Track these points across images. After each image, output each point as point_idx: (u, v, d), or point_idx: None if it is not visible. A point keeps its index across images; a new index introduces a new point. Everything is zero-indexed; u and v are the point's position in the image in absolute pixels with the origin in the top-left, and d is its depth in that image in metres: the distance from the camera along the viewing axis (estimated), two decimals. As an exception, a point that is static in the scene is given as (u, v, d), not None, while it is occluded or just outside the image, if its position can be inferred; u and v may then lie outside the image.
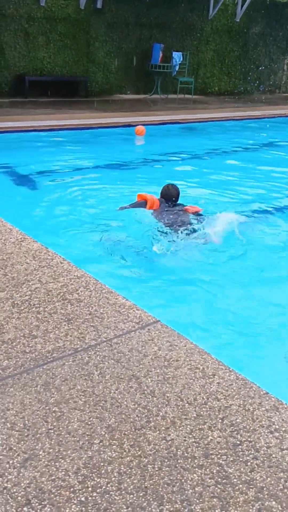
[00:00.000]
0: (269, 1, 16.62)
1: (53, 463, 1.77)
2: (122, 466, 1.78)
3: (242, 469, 1.79)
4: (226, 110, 13.09)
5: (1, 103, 11.47)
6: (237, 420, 2.01)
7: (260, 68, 17.07)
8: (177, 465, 1.79)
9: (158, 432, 1.93)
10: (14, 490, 1.66)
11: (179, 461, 1.81)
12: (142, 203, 5.08)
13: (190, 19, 14.88)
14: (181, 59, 14.28)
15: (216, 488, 1.71)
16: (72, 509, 1.61)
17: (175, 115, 11.69)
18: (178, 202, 5.26)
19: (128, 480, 1.72)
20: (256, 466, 1.80)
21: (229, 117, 12.33)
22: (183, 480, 1.73)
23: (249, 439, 1.92)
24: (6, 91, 12.33)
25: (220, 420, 2.00)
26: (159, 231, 4.70)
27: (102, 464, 1.78)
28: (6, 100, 11.81)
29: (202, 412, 2.04)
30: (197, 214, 5.15)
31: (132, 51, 14.11)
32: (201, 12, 15.03)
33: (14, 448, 1.82)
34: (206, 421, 1.99)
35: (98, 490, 1.68)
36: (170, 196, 5.18)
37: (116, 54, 13.88)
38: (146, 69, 14.20)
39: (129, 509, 1.61)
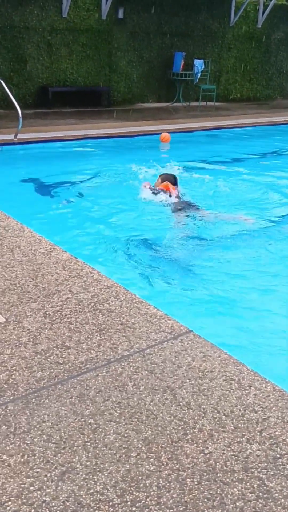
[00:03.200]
0: (290, 7, 16.56)
1: (91, 476, 1.76)
2: (160, 479, 1.75)
3: (283, 483, 1.75)
4: (249, 117, 13.03)
5: (25, 115, 11.57)
6: (276, 433, 1.96)
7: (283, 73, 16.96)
8: (216, 479, 1.76)
9: (195, 445, 1.90)
10: (53, 504, 1.65)
11: (218, 474, 1.78)
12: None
13: (211, 26, 14.89)
14: (203, 67, 14.28)
15: (258, 503, 1.67)
16: (112, 524, 1.59)
17: (198, 123, 11.68)
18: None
19: (167, 494, 1.70)
20: (297, 480, 1.76)
21: (253, 123, 12.27)
22: (223, 495, 1.70)
23: (289, 453, 1.87)
24: (30, 103, 12.49)
25: (258, 433, 1.96)
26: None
27: (140, 477, 1.76)
28: (30, 112, 11.95)
29: (239, 425, 2.00)
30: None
31: (153, 60, 14.18)
32: (222, 19, 15.03)
33: (52, 461, 1.82)
34: (244, 433, 1.96)
35: (137, 505, 1.65)
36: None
37: (137, 63, 13.96)
38: (168, 77, 14.25)
39: (170, 524, 1.59)
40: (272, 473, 1.79)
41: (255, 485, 1.74)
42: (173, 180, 6.11)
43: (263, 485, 1.74)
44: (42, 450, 1.86)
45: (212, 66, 14.91)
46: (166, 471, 1.79)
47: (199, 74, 14.27)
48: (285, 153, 9.93)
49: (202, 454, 1.86)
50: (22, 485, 1.71)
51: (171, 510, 1.64)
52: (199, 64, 14.19)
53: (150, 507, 1.65)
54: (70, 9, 12.45)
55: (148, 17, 13.69)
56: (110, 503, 1.66)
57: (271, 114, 13.65)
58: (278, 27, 16.22)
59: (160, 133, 9.73)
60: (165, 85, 14.49)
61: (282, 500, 1.68)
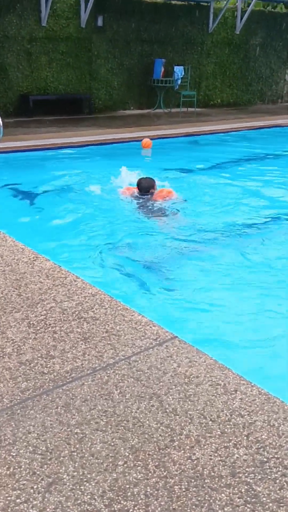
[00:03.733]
0: (268, 12, 16.77)
1: (78, 487, 1.74)
2: (148, 487, 1.74)
3: (271, 487, 1.75)
4: (230, 122, 13.14)
5: (6, 123, 11.53)
6: (263, 437, 1.97)
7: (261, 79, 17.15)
8: (204, 485, 1.76)
9: (183, 451, 1.90)
10: (40, 516, 1.63)
11: (206, 480, 1.77)
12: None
13: (190, 33, 15.01)
14: (183, 73, 14.38)
15: (246, 508, 1.67)
16: (100, 534, 1.57)
17: (179, 129, 11.74)
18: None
19: (155, 502, 1.69)
20: (285, 483, 1.76)
21: (233, 128, 12.37)
22: (211, 501, 1.69)
23: (276, 456, 1.88)
24: (11, 111, 12.44)
25: (245, 437, 1.96)
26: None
27: (128, 486, 1.75)
28: (11, 120, 11.90)
29: (226, 430, 2.00)
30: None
31: (134, 67, 14.24)
32: (201, 26, 15.16)
33: (38, 473, 1.80)
34: (231, 438, 1.96)
35: (125, 514, 1.64)
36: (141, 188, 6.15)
37: (118, 71, 14.01)
38: (148, 84, 14.31)
39: (158, 532, 1.58)
40: (259, 477, 1.79)
41: (243, 490, 1.74)
42: (152, 183, 6.24)
43: (250, 489, 1.74)
44: (28, 462, 1.84)
45: (192, 72, 15.01)
46: (154, 479, 1.78)
47: (180, 81, 14.36)
48: (266, 157, 10.02)
49: (189, 460, 1.86)
50: (9, 498, 1.69)
51: (160, 518, 1.63)
52: (179, 70, 14.28)
53: (138, 515, 1.64)
54: (49, 17, 12.46)
55: (127, 25, 13.76)
56: (98, 513, 1.64)
57: (251, 119, 13.77)
58: (256, 33, 16.41)
59: (141, 139, 9.76)
60: (146, 92, 14.55)
61: (270, 504, 1.69)
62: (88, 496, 1.71)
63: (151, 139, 9.89)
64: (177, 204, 6.08)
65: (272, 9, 17.61)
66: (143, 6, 13.95)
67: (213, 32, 15.41)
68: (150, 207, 5.93)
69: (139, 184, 6.22)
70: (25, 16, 12.22)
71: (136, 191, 6.23)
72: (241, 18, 15.54)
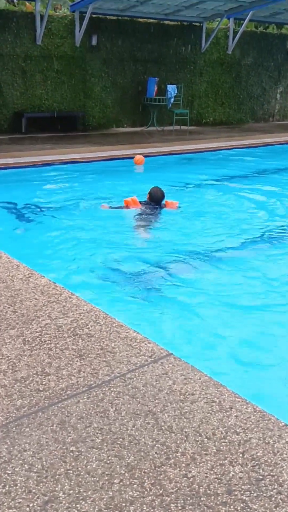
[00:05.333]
0: (259, 33, 17.07)
1: (74, 505, 1.74)
2: (144, 506, 1.74)
3: (266, 504, 1.75)
4: (222, 140, 13.28)
5: (1, 140, 11.64)
6: (258, 454, 1.98)
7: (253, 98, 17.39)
8: (200, 503, 1.76)
9: (178, 469, 1.90)
10: (36, 535, 1.62)
11: (202, 498, 1.78)
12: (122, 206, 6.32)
13: (183, 53, 15.24)
14: (176, 92, 14.56)
15: (242, 526, 1.67)
16: None
17: (172, 146, 11.86)
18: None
19: (151, 520, 1.68)
20: (280, 501, 1.77)
21: (225, 146, 12.50)
22: (207, 519, 1.69)
23: (271, 473, 1.89)
24: (5, 128, 12.53)
25: (240, 455, 1.97)
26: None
27: (124, 504, 1.75)
28: (5, 137, 11.98)
29: (222, 447, 2.01)
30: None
31: (127, 86, 14.41)
32: (194, 46, 15.41)
33: (34, 491, 1.79)
34: (226, 456, 1.96)
35: (121, 532, 1.64)
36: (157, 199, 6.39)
37: (112, 89, 14.17)
38: (141, 102, 14.48)
39: None
40: (255, 494, 1.79)
41: (238, 508, 1.74)
42: (161, 195, 6.47)
43: (246, 507, 1.74)
44: (23, 480, 1.83)
45: (184, 91, 15.21)
46: (150, 497, 1.78)
47: (172, 99, 14.54)
48: (257, 175, 10.12)
49: (185, 478, 1.86)
50: (4, 517, 1.68)
51: (156, 537, 1.63)
52: (172, 89, 14.46)
53: (135, 534, 1.63)
54: (44, 36, 12.63)
55: (121, 44, 13.96)
56: (94, 532, 1.64)
57: (242, 137, 13.94)
58: (248, 53, 16.69)
59: (134, 157, 9.84)
60: (139, 110, 14.72)
61: (266, 522, 1.69)
62: (84, 515, 1.70)
63: (144, 156, 9.98)
64: (174, 217, 6.20)
65: (264, 30, 17.94)
66: (137, 25, 14.18)
67: (206, 52, 15.65)
68: (156, 219, 6.09)
69: (154, 195, 6.38)
70: (20, 35, 12.38)
71: (144, 202, 6.42)
72: (233, 39, 15.82)
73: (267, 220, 6.94)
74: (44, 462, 1.92)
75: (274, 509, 1.74)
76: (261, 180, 9.72)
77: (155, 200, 6.40)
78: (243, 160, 11.45)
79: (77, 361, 2.57)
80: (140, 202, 6.45)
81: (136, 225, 5.98)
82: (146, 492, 1.80)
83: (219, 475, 1.87)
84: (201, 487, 1.82)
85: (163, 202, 6.54)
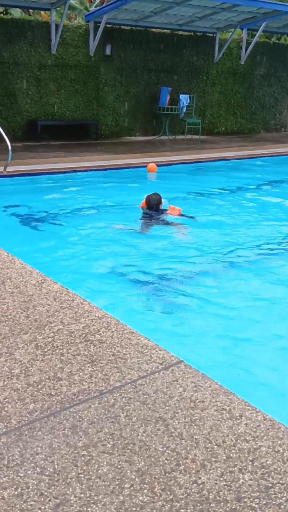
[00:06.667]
0: (272, 43, 17.14)
1: (85, 508, 1.76)
2: (154, 510, 1.76)
3: (276, 512, 1.77)
4: (233, 150, 13.32)
5: (15, 148, 11.72)
6: (268, 462, 1.99)
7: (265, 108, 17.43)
8: (209, 509, 1.77)
9: (188, 475, 1.92)
10: (48, 537, 1.65)
11: (211, 505, 1.79)
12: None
13: (196, 63, 15.35)
14: (188, 101, 14.66)
15: (251, 533, 1.68)
16: None
17: (183, 156, 11.91)
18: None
19: (161, 525, 1.70)
20: (290, 509, 1.78)
21: (237, 156, 12.54)
22: (217, 525, 1.71)
23: (281, 481, 1.90)
24: (19, 136, 12.67)
25: (250, 462, 1.98)
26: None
27: (134, 509, 1.77)
28: (19, 144, 12.11)
29: (231, 454, 2.02)
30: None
31: (140, 95, 14.52)
32: (207, 56, 15.51)
33: (45, 494, 1.82)
34: (236, 463, 1.98)
35: (131, 536, 1.66)
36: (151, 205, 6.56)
37: (125, 98, 14.29)
38: (154, 111, 14.58)
39: None
40: (264, 502, 1.81)
41: (248, 515, 1.75)
42: (155, 200, 6.63)
43: (256, 514, 1.75)
44: (35, 483, 1.86)
45: (197, 100, 15.30)
46: (160, 502, 1.80)
47: (185, 109, 14.63)
48: (270, 185, 10.14)
49: (195, 484, 1.88)
50: (16, 519, 1.70)
51: None
52: (184, 98, 14.56)
53: (145, 538, 1.65)
54: (59, 45, 12.78)
55: (135, 53, 14.09)
56: (105, 535, 1.66)
57: (254, 147, 13.97)
58: (260, 64, 16.76)
59: (146, 165, 9.90)
60: (152, 119, 14.82)
61: (275, 530, 1.70)
62: (95, 518, 1.72)
63: (157, 165, 10.04)
64: (183, 223, 6.26)
65: (277, 41, 18.02)
66: (150, 36, 14.31)
67: (218, 62, 15.74)
68: (157, 224, 6.21)
69: (148, 201, 6.55)
70: (35, 44, 12.54)
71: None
72: (246, 49, 15.91)
73: (276, 229, 6.94)
74: (56, 465, 1.94)
75: (283, 517, 1.75)
76: (271, 190, 9.73)
77: (150, 206, 6.62)
78: (254, 170, 11.47)
79: (88, 366, 2.60)
80: (142, 208, 6.72)
81: (139, 228, 6.19)
82: (156, 497, 1.82)
83: (229, 482, 1.89)
84: (210, 494, 1.84)
85: (166, 207, 6.71)
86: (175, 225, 6.34)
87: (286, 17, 14.05)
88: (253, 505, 1.80)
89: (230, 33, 15.30)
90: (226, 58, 15.88)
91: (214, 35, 15.39)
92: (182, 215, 6.69)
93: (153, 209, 6.60)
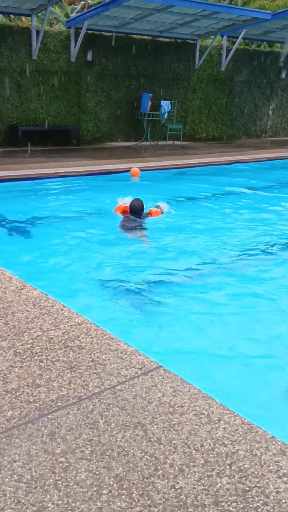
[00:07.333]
0: (252, 50, 17.34)
1: (62, 516, 1.75)
2: (132, 516, 1.76)
3: (253, 516, 1.78)
4: (215, 155, 13.42)
5: (-5, 153, 11.69)
6: (245, 466, 2.00)
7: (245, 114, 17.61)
8: (187, 514, 1.78)
9: (166, 480, 1.92)
10: None
11: (189, 509, 1.80)
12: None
13: (177, 69, 15.44)
14: (170, 107, 14.73)
15: (228, 537, 1.69)
16: None
17: (165, 161, 11.96)
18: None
19: (139, 531, 1.70)
20: (266, 512, 1.79)
21: (217, 162, 12.63)
22: (194, 530, 1.71)
23: (258, 485, 1.91)
24: (0, 141, 12.59)
25: (228, 466, 1.99)
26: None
27: (112, 515, 1.76)
28: (0, 150, 12.05)
29: (209, 459, 2.03)
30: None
31: (121, 101, 14.55)
32: (188, 62, 15.62)
33: (23, 501, 1.80)
34: (214, 467, 1.99)
35: None
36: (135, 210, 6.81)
37: (106, 104, 14.31)
38: (135, 117, 14.62)
39: None
40: (241, 505, 1.82)
41: (225, 519, 1.76)
42: (138, 206, 6.86)
43: (233, 518, 1.76)
44: (13, 490, 1.85)
45: (178, 107, 15.38)
46: (138, 508, 1.79)
47: (166, 115, 14.70)
48: (247, 191, 10.22)
49: (173, 489, 1.88)
50: (-7, 527, 1.69)
51: None
52: (165, 104, 14.63)
53: None
54: (40, 51, 12.76)
55: (116, 60, 14.13)
56: None
57: (235, 153, 14.09)
58: (240, 70, 16.93)
59: (128, 171, 9.92)
60: (133, 124, 14.86)
61: (252, 533, 1.71)
62: (73, 525, 1.71)
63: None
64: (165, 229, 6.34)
65: (256, 48, 18.22)
66: (132, 42, 14.37)
67: (199, 68, 15.87)
68: (140, 229, 6.30)
69: (131, 207, 6.79)
70: (16, 49, 12.50)
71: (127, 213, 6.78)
72: (226, 56, 16.06)
73: (258, 234, 7.01)
74: (34, 472, 1.93)
75: (260, 520, 1.76)
76: (252, 195, 9.82)
77: (133, 212, 6.88)
78: (235, 175, 11.56)
79: (67, 373, 2.59)
80: (126, 213, 6.90)
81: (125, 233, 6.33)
82: (134, 503, 1.82)
83: (207, 486, 1.90)
84: (188, 498, 1.84)
85: (147, 211, 6.97)
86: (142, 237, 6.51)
87: (265, 24, 14.24)
88: (231, 509, 1.80)
89: (211, 40, 15.44)
90: (206, 64, 16.01)
91: (195, 41, 15.52)
92: (162, 212, 7.13)
93: (137, 214, 6.81)
